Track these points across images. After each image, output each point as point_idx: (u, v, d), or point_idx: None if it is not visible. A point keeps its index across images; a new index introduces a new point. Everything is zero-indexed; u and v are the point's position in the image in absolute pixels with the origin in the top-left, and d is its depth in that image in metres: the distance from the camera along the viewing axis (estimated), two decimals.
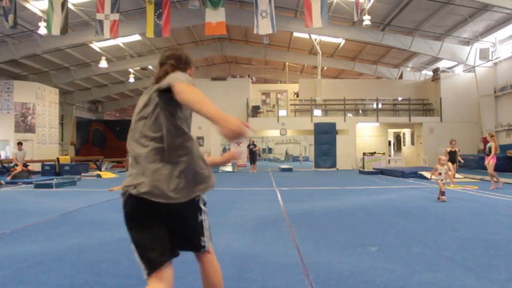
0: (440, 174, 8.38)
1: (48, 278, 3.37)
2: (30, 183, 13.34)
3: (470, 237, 4.83)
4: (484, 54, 20.33)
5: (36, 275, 3.47)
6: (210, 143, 24.20)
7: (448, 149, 12.42)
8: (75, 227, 5.73)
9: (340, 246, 4.40)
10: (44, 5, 15.99)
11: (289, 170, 20.52)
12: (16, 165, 15.22)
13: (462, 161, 13.94)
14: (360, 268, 3.57)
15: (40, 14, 16.82)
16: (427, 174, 14.41)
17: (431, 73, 25.34)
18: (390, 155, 26.14)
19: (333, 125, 22.57)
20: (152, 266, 2.03)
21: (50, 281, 3.30)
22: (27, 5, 16.44)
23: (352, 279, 3.27)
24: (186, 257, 2.33)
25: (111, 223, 5.98)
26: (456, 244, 4.48)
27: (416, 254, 4.06)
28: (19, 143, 15.73)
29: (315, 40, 23.32)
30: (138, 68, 27.89)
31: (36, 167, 19.56)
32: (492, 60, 20.36)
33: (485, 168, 17.38)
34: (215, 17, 15.84)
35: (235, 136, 1.75)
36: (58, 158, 18.63)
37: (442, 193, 8.23)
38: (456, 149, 12.67)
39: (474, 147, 22.57)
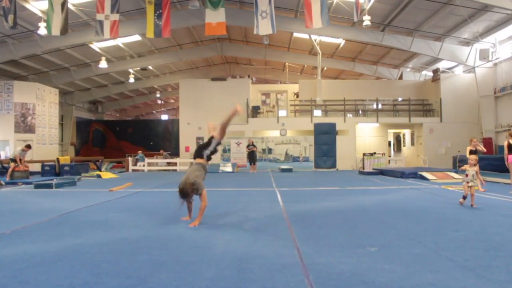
0: (467, 175, 7.48)
1: (48, 279, 3.38)
2: (30, 183, 13.33)
3: (470, 238, 4.84)
4: (484, 55, 20.35)
5: (36, 275, 3.47)
6: None
7: (469, 148, 11.47)
8: (75, 227, 5.72)
9: (340, 247, 4.40)
10: (44, 5, 15.99)
11: (289, 170, 20.50)
12: (14, 160, 14.94)
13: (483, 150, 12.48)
14: (360, 269, 3.57)
15: (40, 14, 16.83)
16: (427, 174, 14.41)
17: (431, 74, 25.37)
18: (390, 156, 26.16)
19: (333, 125, 22.58)
20: None
21: (50, 282, 3.30)
22: (27, 6, 16.45)
23: (352, 280, 3.28)
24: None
25: (111, 223, 5.98)
26: (456, 245, 4.48)
27: (416, 255, 4.06)
28: (29, 146, 15.57)
29: (315, 40, 23.34)
30: (138, 68, 27.92)
31: (36, 167, 19.56)
32: (492, 61, 20.38)
33: (485, 168, 17.39)
34: (215, 17, 15.84)
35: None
36: (58, 159, 18.62)
37: (464, 197, 7.52)
38: (479, 148, 11.45)
39: None
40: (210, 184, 13.29)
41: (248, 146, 21.09)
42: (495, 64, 20.63)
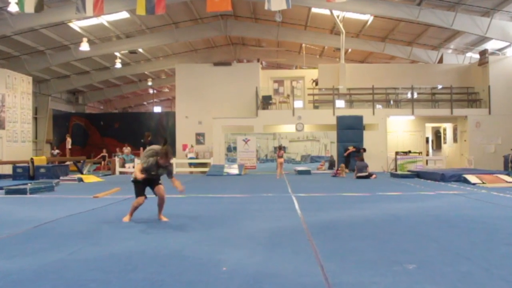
0: None
1: None
2: (1, 188, 13.45)
3: None
4: None
5: None
6: (211, 139, 24.29)
7: None
8: (56, 240, 5.78)
9: (372, 264, 4.42)
10: None
11: (307, 172, 20.53)
12: None
13: None
14: None
15: None
16: (473, 177, 14.32)
17: (477, 56, 25.17)
18: (428, 155, 26.03)
19: (359, 118, 22.52)
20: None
21: None
22: None
23: None
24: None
25: (99, 236, 6.02)
26: (510, 262, 4.47)
27: (463, 273, 4.06)
28: None
29: (338, 17, 23.26)
30: (126, 51, 28.00)
31: (6, 169, 19.72)
32: None
33: None
34: None
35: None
36: (32, 159, 18.77)
37: None
38: None
39: None
40: (214, 189, 13.32)
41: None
42: None
